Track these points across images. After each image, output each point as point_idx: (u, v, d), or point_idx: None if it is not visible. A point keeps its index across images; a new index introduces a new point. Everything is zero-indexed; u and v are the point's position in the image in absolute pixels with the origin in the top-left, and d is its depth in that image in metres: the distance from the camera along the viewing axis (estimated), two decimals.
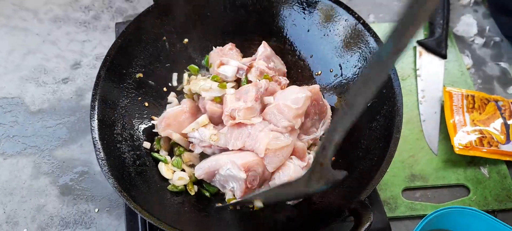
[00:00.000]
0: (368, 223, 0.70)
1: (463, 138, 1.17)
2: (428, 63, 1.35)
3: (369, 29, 0.97)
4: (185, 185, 0.94)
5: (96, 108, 0.86)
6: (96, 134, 0.83)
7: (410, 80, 1.32)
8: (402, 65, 1.34)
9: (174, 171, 0.94)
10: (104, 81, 0.89)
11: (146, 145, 0.95)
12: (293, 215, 0.86)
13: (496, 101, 1.24)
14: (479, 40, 1.43)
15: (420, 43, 1.38)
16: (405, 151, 1.18)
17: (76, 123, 1.20)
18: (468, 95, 1.24)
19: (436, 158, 1.18)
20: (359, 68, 0.98)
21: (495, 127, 1.19)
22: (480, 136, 1.17)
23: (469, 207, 0.97)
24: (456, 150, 1.16)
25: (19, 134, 1.17)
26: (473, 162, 1.18)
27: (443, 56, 1.35)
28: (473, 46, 1.43)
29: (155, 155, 0.94)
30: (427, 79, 1.32)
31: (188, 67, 1.06)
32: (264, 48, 1.04)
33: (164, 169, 0.94)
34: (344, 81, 1.01)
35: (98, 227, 1.04)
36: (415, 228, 0.92)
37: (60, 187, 1.09)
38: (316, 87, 0.97)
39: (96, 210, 1.07)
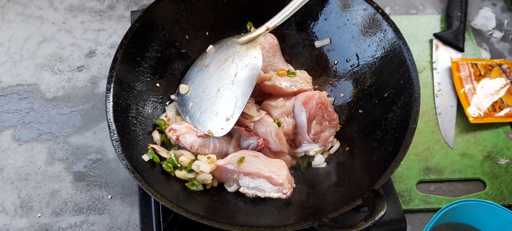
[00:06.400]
0: (382, 212, 0.69)
1: (476, 106, 1.20)
2: (445, 56, 1.33)
3: (387, 19, 0.96)
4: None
5: (111, 90, 0.86)
6: (111, 116, 0.83)
7: (426, 73, 1.30)
8: (418, 57, 1.33)
9: (196, 174, 0.90)
10: (120, 64, 0.89)
11: (156, 136, 0.94)
12: (307, 203, 0.86)
13: (500, 65, 1.27)
14: (497, 34, 1.41)
15: (437, 36, 1.36)
16: (420, 143, 1.17)
17: (90, 110, 1.21)
18: (473, 64, 1.27)
19: (451, 151, 1.16)
20: (376, 58, 0.97)
21: (504, 89, 1.23)
22: (491, 102, 1.21)
23: (485, 200, 0.95)
24: (471, 119, 1.18)
25: (35, 121, 1.18)
26: (490, 156, 1.16)
27: (461, 49, 1.33)
28: (491, 40, 1.40)
29: (166, 165, 0.89)
30: (443, 73, 1.30)
31: None
32: (272, 39, 1.05)
33: (181, 175, 0.91)
34: (361, 70, 1.00)
35: (111, 214, 1.05)
36: (430, 220, 0.90)
37: (74, 173, 1.10)
38: (323, 93, 0.96)
39: (109, 196, 1.07)
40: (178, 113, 0.98)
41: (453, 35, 1.34)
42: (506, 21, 1.43)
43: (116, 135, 0.81)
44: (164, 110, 0.99)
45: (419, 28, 1.40)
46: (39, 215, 1.04)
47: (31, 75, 1.26)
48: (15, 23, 1.36)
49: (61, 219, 1.04)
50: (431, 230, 0.92)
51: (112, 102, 0.85)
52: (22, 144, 1.14)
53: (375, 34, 0.97)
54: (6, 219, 1.03)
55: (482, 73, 1.26)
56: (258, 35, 0.97)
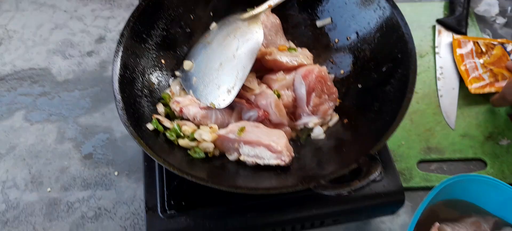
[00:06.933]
0: (377, 173, 0.71)
1: (477, 79, 1.23)
2: (448, 41, 1.34)
3: None
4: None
5: (118, 61, 0.88)
6: (117, 86, 0.85)
7: (428, 57, 1.32)
8: (421, 43, 1.34)
9: (198, 143, 0.91)
10: (127, 39, 0.92)
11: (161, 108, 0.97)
12: (305, 170, 0.87)
13: (502, 44, 1.29)
14: (501, 20, 1.42)
15: (439, 21, 1.37)
16: (421, 124, 1.18)
17: (99, 93, 1.25)
18: (474, 42, 1.30)
19: (453, 132, 1.17)
20: (375, 35, 0.99)
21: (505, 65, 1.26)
22: (492, 74, 1.23)
23: (484, 175, 0.96)
24: (472, 91, 1.21)
25: (46, 102, 1.22)
26: (491, 136, 1.17)
27: (463, 34, 1.34)
28: (495, 26, 1.41)
29: (169, 134, 0.91)
30: (446, 57, 1.31)
31: None
32: (274, 19, 1.06)
33: (184, 143, 0.93)
34: (361, 47, 1.02)
35: (117, 189, 1.08)
36: (427, 197, 0.91)
37: (83, 152, 1.14)
38: (323, 68, 0.98)
39: (116, 173, 1.10)
40: (182, 89, 1.01)
41: (455, 20, 1.36)
42: (509, 8, 1.44)
43: (121, 104, 0.84)
44: (169, 86, 1.02)
45: (422, 15, 1.41)
46: (49, 189, 1.08)
47: (43, 60, 1.31)
48: (28, 11, 1.41)
49: (69, 194, 1.07)
50: (428, 207, 0.92)
51: (118, 75, 0.87)
52: (33, 124, 1.18)
53: (374, 11, 0.99)
54: (17, 193, 1.07)
55: (484, 51, 1.28)
56: (260, 12, 0.99)
